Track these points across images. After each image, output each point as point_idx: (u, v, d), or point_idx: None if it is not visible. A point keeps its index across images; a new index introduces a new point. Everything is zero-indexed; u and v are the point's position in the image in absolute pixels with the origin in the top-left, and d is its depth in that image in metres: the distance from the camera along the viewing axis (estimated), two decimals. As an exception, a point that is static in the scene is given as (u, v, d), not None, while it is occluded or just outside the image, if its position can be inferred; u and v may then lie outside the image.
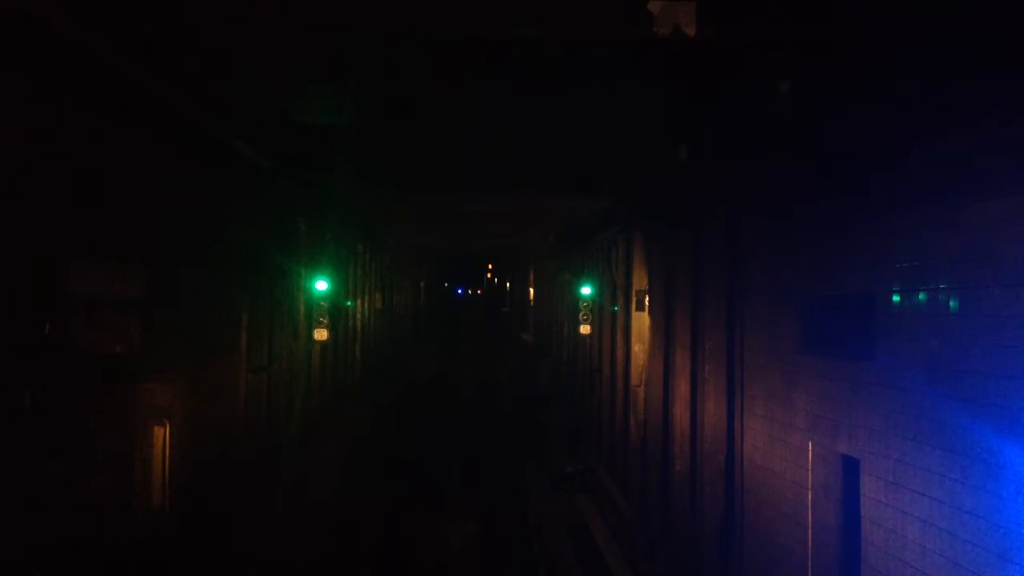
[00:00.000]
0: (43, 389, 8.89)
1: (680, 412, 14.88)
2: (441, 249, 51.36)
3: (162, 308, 11.69)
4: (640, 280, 19.09)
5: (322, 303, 20.45)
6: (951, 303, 6.97)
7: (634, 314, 19.53)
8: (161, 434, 12.04)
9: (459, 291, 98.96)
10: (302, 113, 12.35)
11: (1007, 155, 6.35)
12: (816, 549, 9.45)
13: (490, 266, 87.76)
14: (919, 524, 7.27)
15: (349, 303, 29.41)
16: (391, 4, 8.40)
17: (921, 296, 7.38)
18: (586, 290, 25.34)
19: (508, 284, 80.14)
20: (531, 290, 55.90)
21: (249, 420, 16.40)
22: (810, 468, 9.55)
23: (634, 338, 19.68)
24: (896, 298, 7.75)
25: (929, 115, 7.36)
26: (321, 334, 20.64)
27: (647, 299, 18.33)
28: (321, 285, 20.26)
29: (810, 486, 9.55)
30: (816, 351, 9.51)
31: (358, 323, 32.56)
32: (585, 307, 25.50)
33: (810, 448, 9.54)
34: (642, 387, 18.61)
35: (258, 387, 17.15)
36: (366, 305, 34.50)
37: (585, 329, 25.73)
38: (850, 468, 8.79)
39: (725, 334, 12.33)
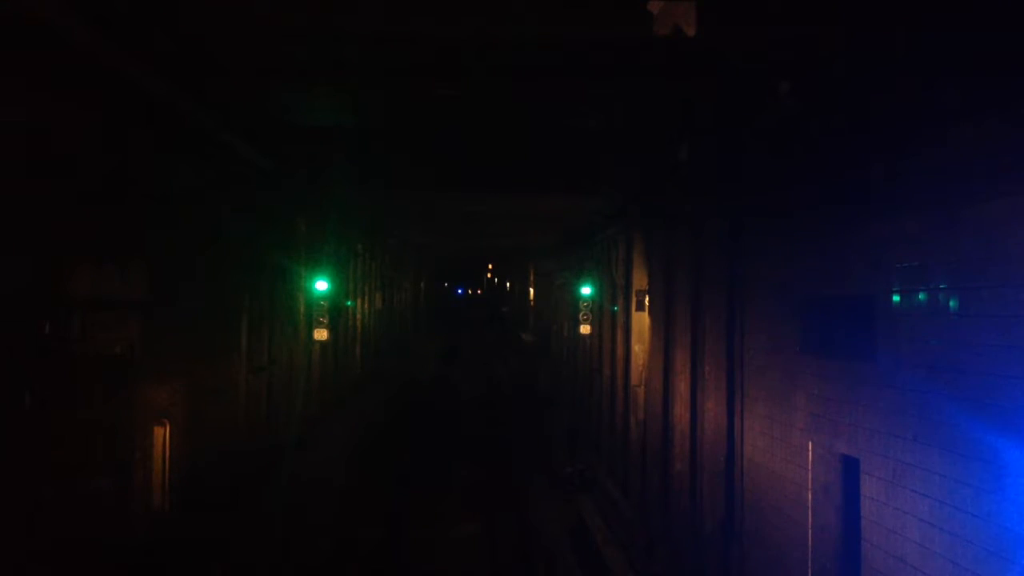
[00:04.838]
0: (43, 389, 8.88)
1: (680, 412, 14.88)
2: (441, 249, 51.36)
3: (162, 308, 11.68)
4: (640, 280, 19.10)
5: (322, 303, 20.46)
6: (951, 303, 6.96)
7: (634, 314, 19.53)
8: (161, 434, 12.04)
9: (459, 291, 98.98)
10: (302, 114, 12.35)
11: (1006, 155, 6.35)
12: (816, 549, 9.45)
13: (490, 266, 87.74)
14: (919, 524, 7.27)
15: (349, 303, 29.40)
16: (392, 5, 8.40)
17: (921, 296, 7.38)
18: (586, 290, 25.34)
19: (508, 284, 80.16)
20: (531, 290, 55.91)
21: (249, 420, 16.40)
22: (810, 468, 9.54)
23: (634, 338, 19.68)
24: (896, 298, 7.75)
25: (929, 115, 7.36)
26: (321, 334, 20.64)
27: (647, 299, 18.33)
28: (321, 285, 20.26)
29: (810, 486, 9.54)
30: (816, 351, 9.50)
31: (358, 323, 32.55)
32: (585, 307, 25.50)
33: (810, 448, 9.54)
34: (642, 387, 18.61)
35: (258, 387, 17.14)
36: (366, 305, 34.49)
37: (585, 329, 25.73)
38: (850, 468, 8.78)
39: (725, 334, 12.33)
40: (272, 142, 13.99)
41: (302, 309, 20.57)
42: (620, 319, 21.39)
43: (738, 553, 11.80)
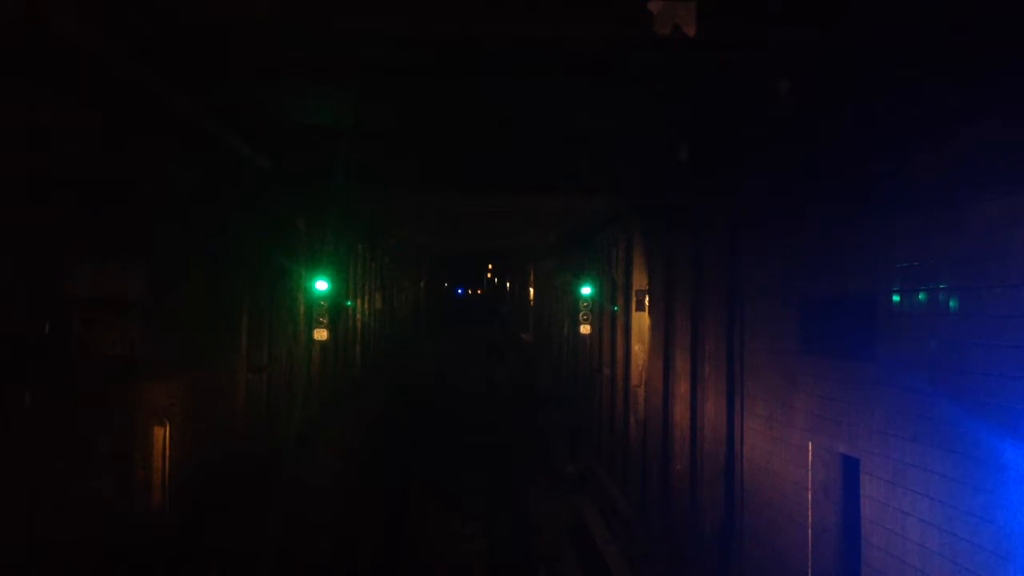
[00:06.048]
0: (43, 389, 8.88)
1: (680, 412, 14.88)
2: (441, 249, 51.37)
3: (162, 308, 11.68)
4: (640, 280, 19.09)
5: (322, 303, 20.45)
6: (951, 303, 6.97)
7: (634, 314, 19.52)
8: (161, 434, 12.04)
9: (459, 291, 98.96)
10: (302, 113, 12.34)
11: (1007, 156, 6.36)
12: (816, 549, 9.45)
13: (490, 266, 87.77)
14: (919, 524, 7.27)
15: (349, 303, 29.40)
16: (392, 5, 8.40)
17: (921, 296, 7.38)
18: (586, 290, 25.34)
19: (508, 284, 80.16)
20: (531, 290, 55.93)
21: (249, 420, 16.40)
22: (810, 468, 9.54)
23: (634, 338, 19.68)
24: (896, 298, 7.75)
25: (929, 116, 7.36)
26: (321, 334, 20.64)
27: (647, 299, 18.33)
28: (321, 285, 20.26)
29: (810, 486, 9.54)
30: (816, 351, 9.50)
31: (358, 323, 32.55)
32: (585, 307, 25.50)
33: (810, 448, 9.54)
34: (642, 387, 18.61)
35: (258, 387, 17.14)
36: (366, 305, 34.49)
37: (585, 329, 25.72)
38: (850, 468, 8.79)
39: (725, 334, 12.33)
40: (272, 142, 13.98)
41: (302, 309, 20.57)
42: (620, 319, 21.39)
43: (738, 553, 11.80)
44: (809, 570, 9.54)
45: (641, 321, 18.97)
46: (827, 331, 9.29)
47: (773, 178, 10.92)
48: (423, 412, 32.43)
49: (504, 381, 42.44)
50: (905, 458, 7.51)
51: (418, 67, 10.15)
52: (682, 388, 14.78)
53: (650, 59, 9.44)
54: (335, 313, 23.89)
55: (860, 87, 8.47)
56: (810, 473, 9.55)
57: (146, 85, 9.59)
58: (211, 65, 9.95)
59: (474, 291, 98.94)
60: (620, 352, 21.40)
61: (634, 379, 19.55)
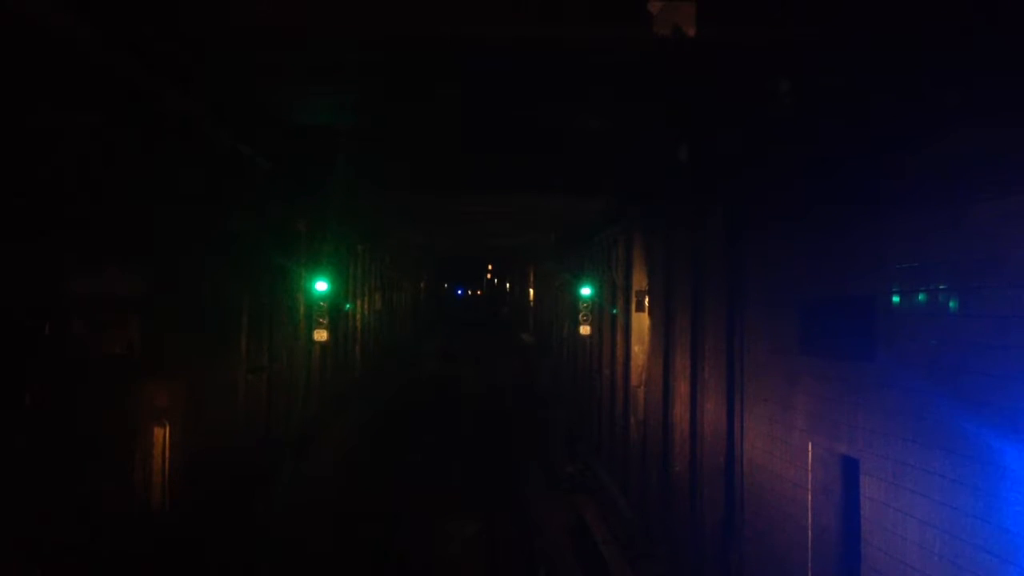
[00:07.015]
0: (43, 389, 8.88)
1: (680, 412, 14.88)
2: (441, 249, 51.37)
3: (162, 308, 11.68)
4: (640, 281, 19.10)
5: (322, 303, 20.45)
6: (951, 303, 6.97)
7: (634, 315, 19.53)
8: (161, 434, 12.03)
9: (459, 291, 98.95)
10: (302, 114, 12.36)
11: (1007, 155, 6.36)
12: (816, 549, 9.45)
13: (490, 266, 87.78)
14: (919, 524, 7.27)
15: (349, 304, 29.42)
16: (392, 6, 8.41)
17: (921, 297, 7.38)
18: (586, 291, 25.35)
19: (508, 284, 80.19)
20: (531, 290, 55.96)
21: (249, 420, 16.39)
22: (810, 468, 9.55)
23: (634, 339, 19.69)
24: (896, 299, 7.75)
25: (929, 116, 7.36)
26: (321, 335, 20.64)
27: (647, 300, 18.34)
28: (321, 285, 20.26)
29: (810, 486, 9.55)
30: (816, 351, 9.51)
31: (358, 323, 32.55)
32: (585, 308, 25.52)
33: (810, 448, 9.55)
34: (642, 387, 18.62)
35: (258, 387, 17.14)
36: (366, 305, 34.49)
37: (585, 330, 25.74)
38: (850, 468, 8.79)
39: (725, 334, 12.33)
40: (272, 142, 14.00)
41: (302, 309, 20.57)
42: (620, 320, 21.40)
43: (738, 553, 11.80)
44: (809, 570, 9.54)
45: (641, 322, 18.98)
46: (827, 331, 9.29)
47: (773, 178, 10.93)
48: (423, 412, 32.44)
49: (504, 381, 42.42)
50: (905, 458, 7.52)
51: (418, 67, 10.16)
52: (682, 388, 14.79)
53: (650, 59, 9.45)
54: (335, 314, 23.90)
55: (860, 87, 8.47)
56: (810, 473, 9.55)
57: (146, 85, 9.60)
58: (212, 66, 9.96)
59: (474, 292, 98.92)
60: (620, 352, 21.41)
61: (634, 379, 19.56)
